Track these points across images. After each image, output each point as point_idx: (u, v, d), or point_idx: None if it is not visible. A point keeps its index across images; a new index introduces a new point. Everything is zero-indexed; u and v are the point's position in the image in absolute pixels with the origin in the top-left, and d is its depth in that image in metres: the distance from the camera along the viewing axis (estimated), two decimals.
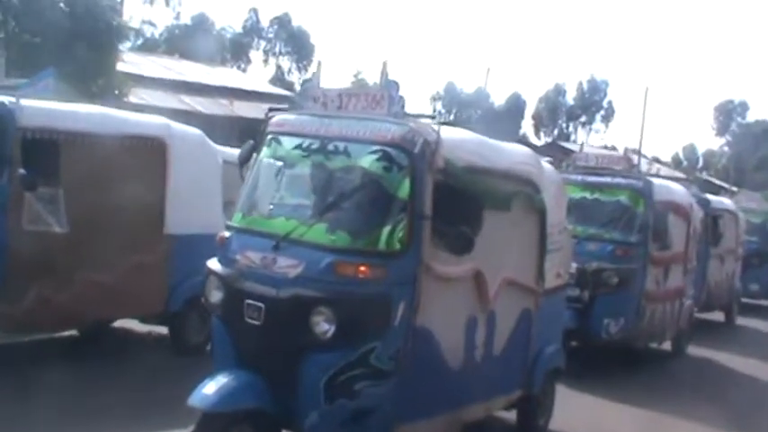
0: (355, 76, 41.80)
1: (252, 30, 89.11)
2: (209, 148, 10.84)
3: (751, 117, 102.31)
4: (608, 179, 12.73)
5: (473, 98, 76.79)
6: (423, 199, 6.39)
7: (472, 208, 6.90)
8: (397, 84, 6.77)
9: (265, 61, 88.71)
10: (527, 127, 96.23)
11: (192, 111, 34.55)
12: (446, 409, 7.05)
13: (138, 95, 32.48)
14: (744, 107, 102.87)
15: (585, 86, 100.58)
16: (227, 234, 6.93)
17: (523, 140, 69.33)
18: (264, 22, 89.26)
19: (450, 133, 7.01)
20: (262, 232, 6.68)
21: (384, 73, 6.81)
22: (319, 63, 8.19)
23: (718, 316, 19.13)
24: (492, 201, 7.24)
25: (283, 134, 7.11)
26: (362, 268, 6.20)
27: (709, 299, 17.26)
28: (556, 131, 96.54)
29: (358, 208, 6.63)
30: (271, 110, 7.54)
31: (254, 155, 7.30)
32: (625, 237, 12.18)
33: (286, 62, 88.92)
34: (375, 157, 6.49)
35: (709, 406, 11.00)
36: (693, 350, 14.82)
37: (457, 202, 6.71)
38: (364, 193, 6.63)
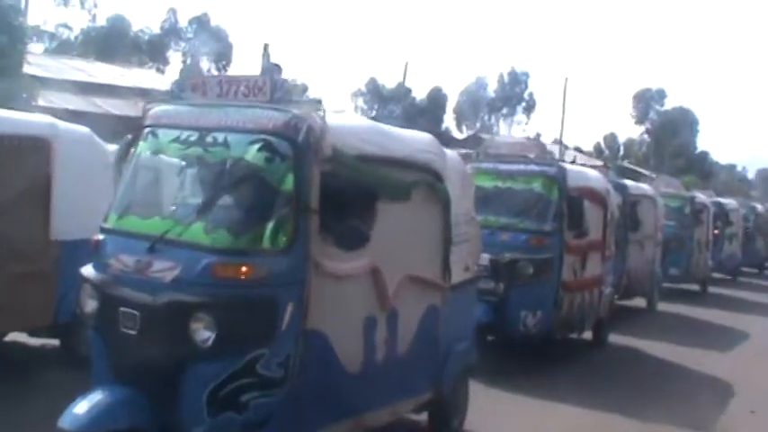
0: None
1: (170, 30, 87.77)
2: (99, 147, 10.18)
3: (669, 104, 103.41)
4: (521, 167, 12.33)
5: (394, 93, 76.38)
6: (308, 191, 5.89)
7: (364, 199, 6.45)
8: (279, 67, 6.30)
9: (184, 62, 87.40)
10: (449, 121, 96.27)
11: (105, 113, 33.62)
12: (346, 415, 6.58)
13: (47, 98, 31.48)
14: (661, 95, 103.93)
15: (506, 79, 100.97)
16: (100, 237, 6.37)
17: (446, 134, 69.40)
18: (183, 23, 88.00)
19: (339, 120, 6.54)
20: (137, 234, 6.13)
21: (265, 56, 6.30)
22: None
23: (640, 302, 19.01)
24: (388, 191, 6.78)
25: (161, 127, 6.57)
26: (244, 269, 5.69)
27: (629, 285, 17.06)
28: (478, 124, 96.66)
29: (238, 204, 6.12)
30: (148, 101, 6.97)
31: (132, 150, 6.75)
32: (539, 225, 11.79)
33: (206, 62, 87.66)
34: (256, 147, 5.99)
35: (630, 396, 10.77)
36: (615, 338, 14.58)
37: (347, 194, 6.25)
38: (245, 188, 6.13)
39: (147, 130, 6.65)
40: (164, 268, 5.81)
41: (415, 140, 7.58)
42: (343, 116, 7.01)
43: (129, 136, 6.92)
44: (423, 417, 8.20)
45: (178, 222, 5.97)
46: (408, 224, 7.12)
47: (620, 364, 13.26)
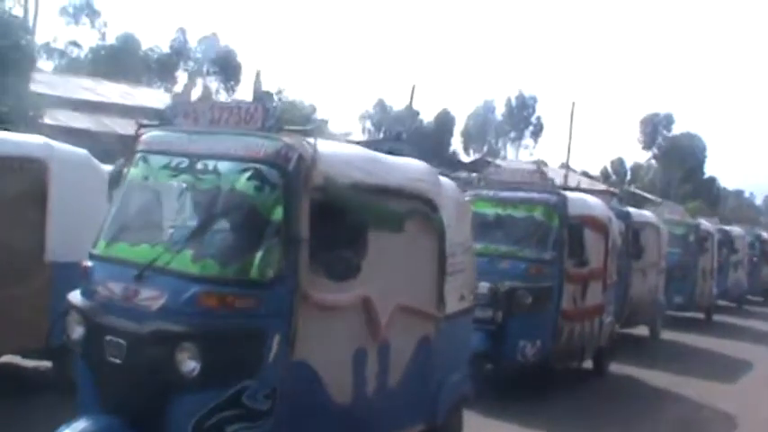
0: (277, 94, 41.34)
1: (179, 50, 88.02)
2: (95, 168, 10.12)
3: (677, 129, 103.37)
4: (521, 194, 12.24)
5: (402, 116, 76.49)
6: (298, 220, 5.83)
7: (356, 229, 6.35)
8: (271, 95, 6.20)
9: (192, 82, 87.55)
10: (456, 144, 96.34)
11: (111, 132, 33.63)
12: None
13: (53, 117, 31.51)
14: (669, 120, 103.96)
15: (514, 102, 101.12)
16: (89, 263, 6.30)
17: (453, 157, 69.37)
18: (192, 42, 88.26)
19: (331, 148, 6.46)
20: (125, 261, 6.06)
21: (257, 83, 6.23)
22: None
23: (643, 331, 18.83)
24: (381, 221, 6.69)
25: (152, 152, 6.51)
26: (230, 299, 5.61)
27: (631, 314, 16.91)
28: (485, 148, 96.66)
29: (227, 232, 6.06)
30: (141, 126, 6.91)
31: (123, 175, 6.69)
32: (539, 254, 11.69)
33: (214, 82, 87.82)
34: (246, 175, 5.93)
35: (629, 428, 10.64)
36: (616, 368, 14.44)
37: (338, 224, 6.15)
38: (234, 216, 6.08)
39: (138, 155, 6.60)
40: (150, 297, 5.74)
41: (409, 169, 7.49)
42: (336, 144, 6.92)
43: (122, 161, 6.87)
44: None
45: (166, 250, 5.90)
46: (402, 254, 7.03)
47: (620, 394, 13.11)
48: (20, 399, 9.27)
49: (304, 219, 5.85)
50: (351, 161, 6.59)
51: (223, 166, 6.04)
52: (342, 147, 6.99)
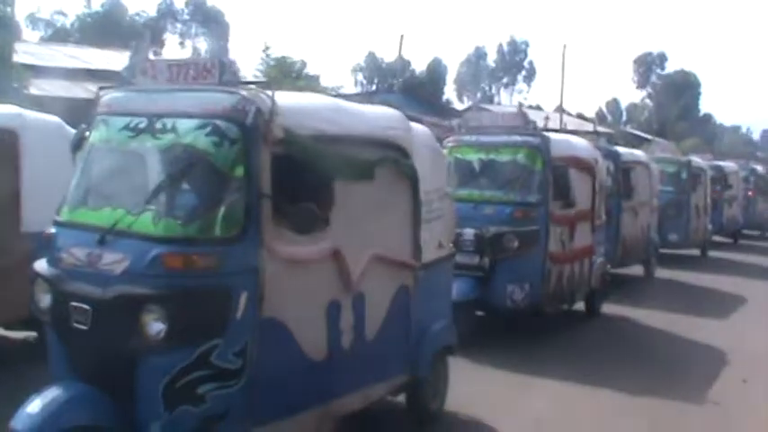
0: (264, 51, 40.97)
1: (166, 13, 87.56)
2: (68, 136, 10.00)
3: (670, 68, 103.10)
4: (503, 138, 12.11)
5: (394, 67, 76.17)
6: (259, 175, 5.71)
7: (321, 181, 6.25)
8: (228, 49, 6.05)
9: (181, 44, 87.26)
10: (450, 92, 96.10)
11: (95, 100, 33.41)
12: (312, 403, 6.38)
13: (39, 87, 31.30)
14: (662, 58, 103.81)
15: (506, 48, 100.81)
16: (53, 230, 6.20)
17: (446, 105, 69.05)
18: (179, 5, 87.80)
19: (292, 99, 6.35)
20: (87, 226, 5.96)
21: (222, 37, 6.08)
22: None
23: (637, 270, 18.79)
24: (348, 171, 6.56)
25: (112, 114, 6.39)
26: (194, 258, 5.51)
27: (624, 254, 16.91)
28: (479, 95, 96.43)
29: (187, 191, 5.99)
30: (101, 88, 6.79)
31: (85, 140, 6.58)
32: (523, 197, 11.59)
33: (203, 43, 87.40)
34: (204, 132, 5.80)
35: (620, 368, 10.61)
36: (610, 308, 14.40)
37: (302, 176, 6.05)
38: (194, 174, 6.01)
39: (98, 118, 6.49)
40: (113, 260, 5.64)
41: (378, 117, 7.36)
42: (297, 95, 6.80)
43: (83, 125, 6.75)
44: (401, 398, 8.03)
45: (128, 213, 5.78)
46: (373, 203, 6.92)
47: (612, 335, 13.04)
48: (6, 370, 9.23)
49: (265, 173, 5.74)
50: (313, 112, 6.46)
51: (181, 123, 5.91)
52: (303, 97, 6.85)
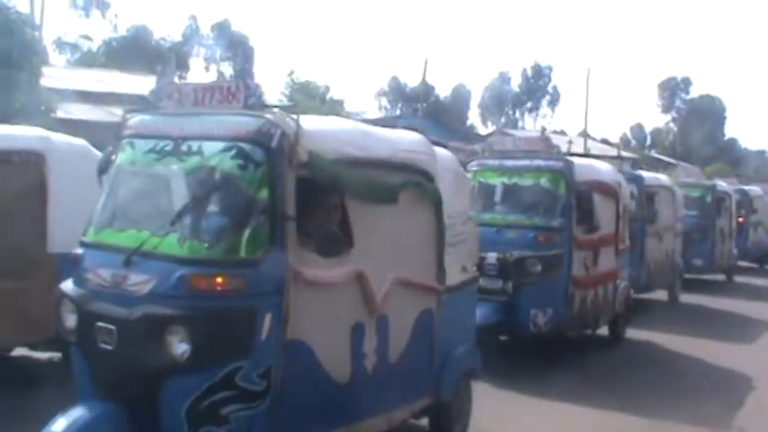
0: (289, 75, 41.32)
1: (191, 37, 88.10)
2: (93, 158, 10.09)
3: (694, 92, 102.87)
4: (526, 162, 12.13)
5: (418, 92, 76.43)
6: (284, 198, 5.76)
7: (344, 204, 6.28)
8: (253, 73, 6.12)
9: (206, 68, 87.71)
10: (474, 117, 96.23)
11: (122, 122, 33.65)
12: (335, 426, 6.39)
13: (66, 110, 31.58)
14: (687, 83, 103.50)
15: (530, 72, 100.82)
16: (79, 251, 6.27)
17: (470, 130, 69.21)
18: (205, 30, 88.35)
19: (316, 123, 6.39)
20: (113, 247, 6.02)
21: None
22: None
23: (662, 295, 18.69)
24: (372, 194, 6.60)
25: (138, 137, 6.47)
26: (219, 280, 5.56)
27: (649, 278, 16.85)
28: (503, 119, 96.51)
29: (213, 213, 6.03)
30: (127, 111, 6.87)
31: (112, 162, 6.65)
32: (547, 221, 11.60)
33: (227, 68, 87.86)
34: (229, 154, 5.86)
35: (644, 394, 10.55)
36: (633, 333, 14.31)
37: (326, 199, 6.10)
38: (219, 196, 6.07)
39: (124, 140, 6.56)
40: (139, 281, 5.70)
41: (401, 140, 7.39)
42: (322, 119, 6.84)
43: (110, 148, 6.83)
44: (425, 422, 8.03)
45: (153, 234, 5.85)
46: (397, 227, 6.95)
47: (636, 360, 12.98)
48: (32, 390, 9.28)
49: (290, 196, 5.79)
50: (337, 135, 6.51)
51: (207, 146, 5.98)
52: (328, 121, 6.89)
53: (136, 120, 6.61)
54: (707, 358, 13.10)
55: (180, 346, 5.49)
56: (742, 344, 14.66)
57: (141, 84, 43.80)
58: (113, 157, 6.69)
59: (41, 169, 9.36)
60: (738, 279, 24.19)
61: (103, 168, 6.80)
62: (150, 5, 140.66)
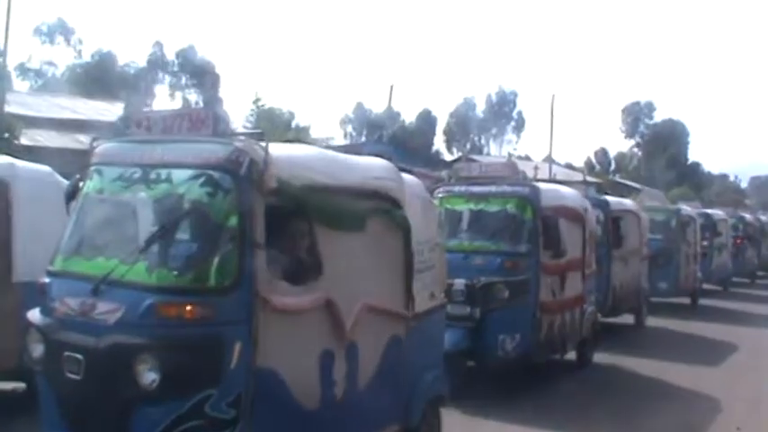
0: (255, 102, 41.30)
1: (156, 64, 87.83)
2: (59, 185, 10.03)
3: (658, 117, 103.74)
4: (492, 188, 12.17)
5: (383, 118, 76.57)
6: (253, 225, 5.76)
7: (313, 230, 6.28)
8: (221, 100, 6.13)
9: (171, 95, 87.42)
10: (439, 143, 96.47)
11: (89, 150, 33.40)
12: None
13: (30, 137, 31.35)
14: (650, 107, 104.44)
15: (494, 98, 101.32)
16: (46, 280, 6.22)
17: (436, 156, 69.37)
18: (170, 56, 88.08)
19: (285, 150, 6.40)
20: (81, 275, 5.99)
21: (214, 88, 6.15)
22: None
23: (628, 319, 18.79)
24: (340, 221, 6.61)
25: (106, 164, 6.45)
26: (188, 308, 5.55)
27: (615, 303, 16.93)
28: (468, 145, 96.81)
29: (182, 241, 6.01)
30: (95, 139, 6.85)
31: (79, 190, 6.62)
32: (514, 247, 11.63)
33: (193, 95, 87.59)
34: (198, 182, 5.86)
35: (614, 418, 10.60)
36: (601, 357, 14.36)
37: (295, 226, 6.09)
38: (188, 224, 6.07)
39: (92, 168, 6.54)
40: (107, 310, 5.66)
41: (369, 167, 7.41)
42: (290, 146, 6.86)
43: (78, 175, 6.80)
44: None
45: (122, 262, 5.81)
46: (365, 254, 6.95)
47: (604, 384, 13.03)
48: None
49: (259, 223, 5.79)
50: (306, 163, 6.51)
51: (175, 174, 5.98)
52: (296, 148, 6.91)
53: (104, 147, 6.59)
54: (674, 381, 13.17)
55: (149, 376, 5.45)
56: (709, 366, 14.76)
57: (106, 111, 43.65)
58: (81, 184, 6.65)
59: (6, 197, 9.28)
60: (703, 302, 24.35)
61: (71, 196, 6.77)
62: (114, 31, 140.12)
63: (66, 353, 5.74)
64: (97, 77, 67.51)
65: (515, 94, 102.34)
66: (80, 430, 5.75)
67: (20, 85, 71.35)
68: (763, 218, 37.52)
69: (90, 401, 5.67)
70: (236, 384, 5.62)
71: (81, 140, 35.49)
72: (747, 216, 34.31)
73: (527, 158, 69.71)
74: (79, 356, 5.67)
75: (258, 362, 5.71)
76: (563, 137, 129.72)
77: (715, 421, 10.91)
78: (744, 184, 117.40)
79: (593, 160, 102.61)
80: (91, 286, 5.78)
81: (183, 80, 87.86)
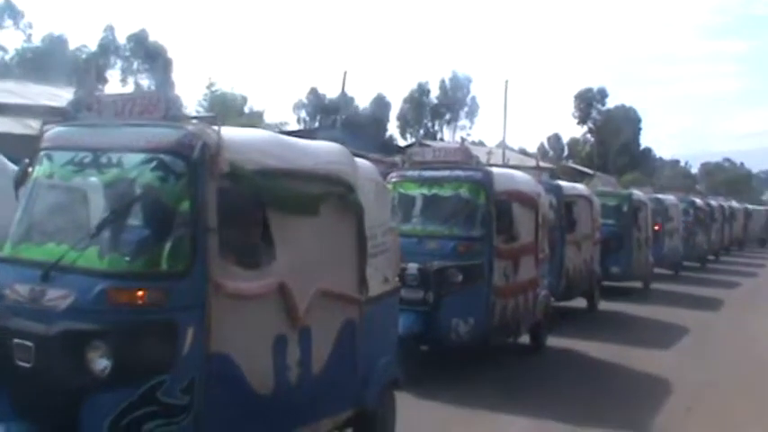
0: (208, 87, 40.91)
1: (108, 48, 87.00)
2: (6, 170, 9.90)
3: (610, 103, 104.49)
4: (446, 173, 12.19)
5: (337, 103, 76.44)
6: (205, 210, 5.70)
7: (267, 215, 6.24)
8: (174, 84, 6.07)
9: (123, 81, 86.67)
10: (393, 129, 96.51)
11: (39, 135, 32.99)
12: None
13: None
14: (603, 94, 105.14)
15: (448, 84, 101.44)
16: None
17: (390, 142, 69.37)
18: (121, 40, 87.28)
19: (237, 134, 6.36)
20: (31, 261, 5.90)
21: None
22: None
23: (581, 303, 18.95)
24: (294, 205, 6.57)
25: (56, 149, 6.35)
26: (140, 293, 5.49)
27: (568, 286, 17.08)
28: (422, 131, 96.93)
29: (133, 226, 5.94)
30: (45, 123, 6.75)
31: (29, 175, 6.52)
32: (467, 231, 11.68)
33: (145, 80, 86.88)
34: (150, 166, 5.80)
35: (566, 400, 10.71)
36: (554, 341, 14.47)
37: (248, 211, 6.05)
38: (140, 209, 5.99)
39: (42, 153, 6.44)
40: (58, 296, 5.58)
41: (322, 151, 7.37)
42: (243, 130, 6.81)
43: (27, 160, 6.70)
44: None
45: (73, 248, 5.74)
46: (319, 238, 6.92)
47: (557, 367, 13.14)
48: None
49: (212, 207, 5.73)
50: (258, 147, 6.46)
51: (126, 158, 5.91)
52: (249, 132, 6.86)
53: (54, 132, 6.49)
54: (626, 363, 13.34)
55: (101, 362, 5.39)
56: (660, 349, 14.94)
57: (57, 95, 43.11)
58: (30, 169, 6.56)
59: None
60: (655, 286, 24.62)
61: (20, 181, 6.67)
62: (65, 15, 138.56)
63: (16, 340, 5.64)
64: (48, 62, 66.69)
65: (469, 80, 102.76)
66: (30, 418, 5.65)
67: None
68: (713, 203, 38.03)
69: (40, 389, 5.60)
70: (190, 370, 5.58)
71: (31, 126, 35.07)
72: (698, 201, 34.73)
73: (481, 144, 70.11)
74: (29, 344, 5.58)
75: (211, 347, 5.67)
76: (517, 123, 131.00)
77: (666, 402, 11.04)
78: (694, 170, 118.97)
79: (547, 146, 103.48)
80: (41, 272, 5.70)
81: (135, 65, 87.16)
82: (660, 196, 28.92)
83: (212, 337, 5.66)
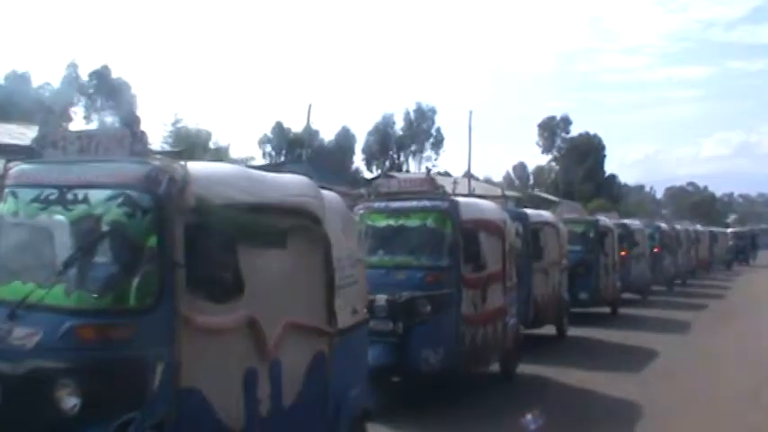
0: (173, 124, 40.86)
1: (71, 85, 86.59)
2: None
3: (574, 131, 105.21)
4: (413, 203, 12.25)
5: (302, 137, 76.46)
6: (173, 244, 5.70)
7: (234, 249, 6.23)
8: (138, 119, 6.08)
9: (86, 118, 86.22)
10: (358, 161, 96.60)
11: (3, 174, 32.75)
12: None
13: None
14: (566, 122, 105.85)
15: (413, 115, 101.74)
16: None
17: (356, 175, 69.52)
18: (84, 76, 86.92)
19: (204, 168, 6.36)
20: None
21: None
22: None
23: (550, 330, 19.00)
24: (261, 238, 6.58)
25: (21, 186, 6.33)
26: (107, 330, 5.47)
27: (537, 314, 17.13)
28: (388, 163, 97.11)
29: (101, 262, 5.88)
30: (9, 161, 6.73)
31: None
32: (435, 261, 11.74)
33: (109, 117, 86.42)
34: (116, 202, 5.79)
35: (538, 429, 10.65)
36: (524, 369, 14.49)
37: (215, 245, 6.04)
38: (107, 245, 5.90)
39: (7, 190, 6.40)
40: (25, 335, 5.53)
41: (289, 184, 7.39)
42: (209, 165, 6.82)
43: None
44: None
45: (39, 286, 5.69)
46: (287, 271, 6.93)
47: (528, 395, 13.12)
48: None
49: (179, 242, 5.73)
50: (225, 181, 6.47)
51: (93, 194, 5.90)
52: (215, 167, 6.88)
53: (19, 169, 6.47)
54: (596, 388, 13.40)
55: (70, 400, 5.35)
56: (629, 373, 15.01)
57: (21, 134, 42.77)
58: None
59: None
60: (623, 311, 24.80)
61: None
62: (28, 52, 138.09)
63: None
64: (10, 100, 66.25)
65: (434, 111, 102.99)
66: None
67: None
68: (678, 227, 38.36)
69: (9, 428, 5.55)
70: (160, 406, 5.54)
71: None
72: (663, 225, 35.04)
73: (447, 174, 70.19)
74: None
75: (181, 382, 5.64)
76: (482, 152, 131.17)
77: (637, 427, 11.07)
78: (659, 195, 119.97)
79: (512, 175, 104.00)
80: (7, 311, 5.66)
81: (99, 102, 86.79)
82: (626, 222, 29.19)
83: (182, 372, 5.63)
